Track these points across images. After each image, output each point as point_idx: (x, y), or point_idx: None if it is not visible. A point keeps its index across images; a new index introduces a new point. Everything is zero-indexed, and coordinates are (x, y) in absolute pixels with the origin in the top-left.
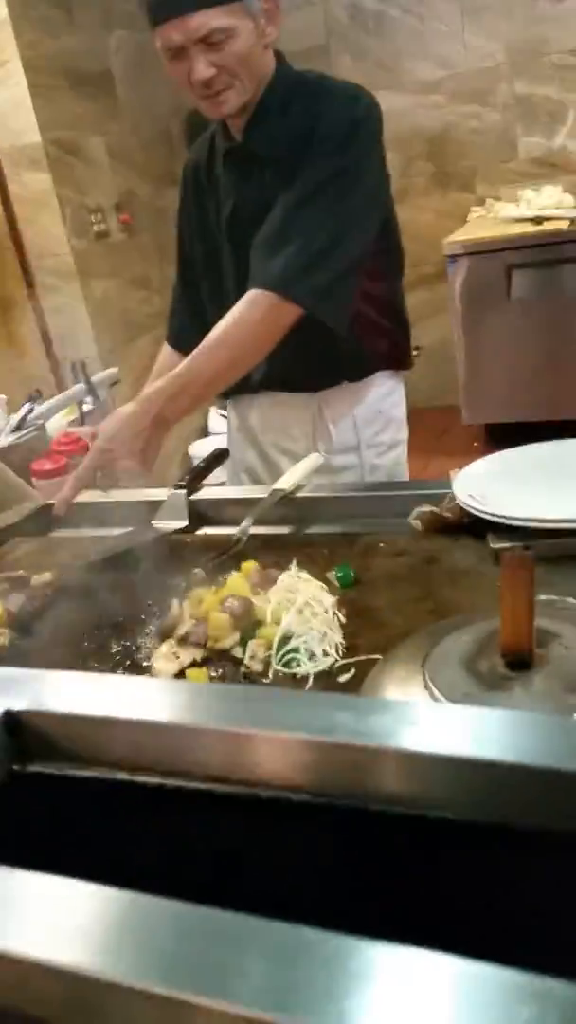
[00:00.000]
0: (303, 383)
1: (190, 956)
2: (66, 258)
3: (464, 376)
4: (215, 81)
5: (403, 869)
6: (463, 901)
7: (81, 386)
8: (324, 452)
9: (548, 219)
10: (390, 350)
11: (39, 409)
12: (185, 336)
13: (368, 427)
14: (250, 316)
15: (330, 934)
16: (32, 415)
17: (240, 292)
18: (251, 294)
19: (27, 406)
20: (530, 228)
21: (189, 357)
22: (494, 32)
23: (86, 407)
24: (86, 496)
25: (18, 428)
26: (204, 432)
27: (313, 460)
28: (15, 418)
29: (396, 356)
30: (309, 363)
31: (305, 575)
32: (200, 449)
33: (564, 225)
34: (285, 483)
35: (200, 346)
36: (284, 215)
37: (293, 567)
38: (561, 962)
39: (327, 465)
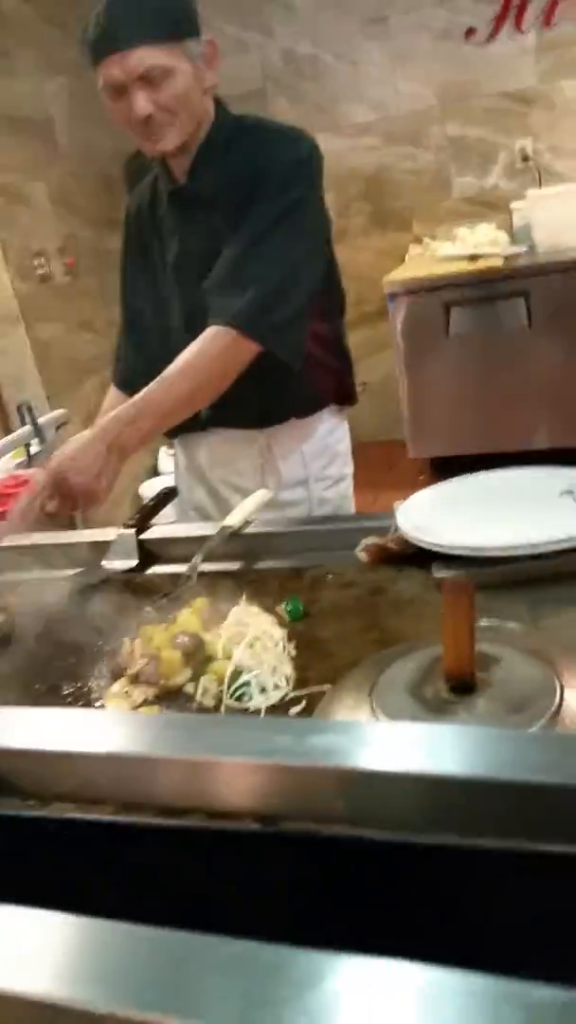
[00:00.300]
0: (252, 420)
1: (157, 978)
2: (10, 302)
3: (408, 411)
4: (154, 119)
5: (361, 890)
6: (420, 917)
7: (28, 428)
8: (272, 487)
9: (483, 256)
10: (336, 387)
11: None
12: (132, 377)
13: (315, 461)
14: (211, 351)
15: (296, 950)
16: None
17: (188, 331)
18: (212, 330)
19: None
20: (466, 266)
21: (147, 388)
22: (425, 76)
23: (33, 449)
24: (34, 538)
25: None
26: (154, 472)
27: (261, 496)
28: None
29: (342, 392)
30: (258, 400)
31: (255, 609)
32: (150, 489)
33: (498, 263)
34: (234, 519)
35: (160, 376)
36: (238, 254)
37: (243, 602)
38: (518, 969)
39: (275, 500)
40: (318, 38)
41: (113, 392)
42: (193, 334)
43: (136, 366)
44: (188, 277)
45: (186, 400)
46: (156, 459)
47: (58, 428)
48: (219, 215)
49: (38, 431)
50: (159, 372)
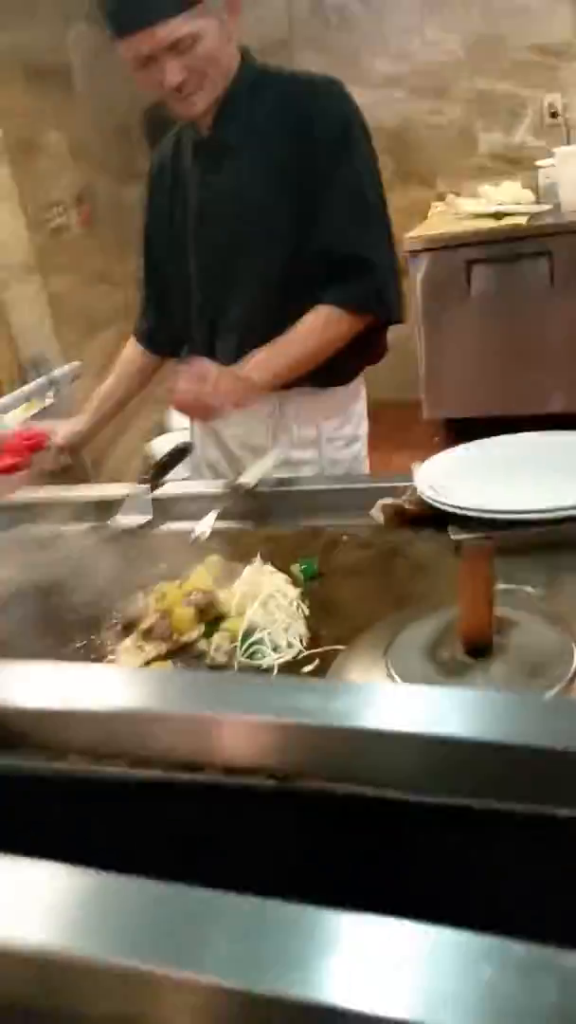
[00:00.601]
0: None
1: (156, 930)
2: (26, 251)
3: (425, 371)
4: (186, 84)
5: (368, 850)
6: (426, 879)
7: (42, 381)
8: (284, 446)
9: (508, 214)
10: (373, 350)
11: None
12: (154, 335)
13: (329, 422)
14: (327, 331)
15: (294, 905)
16: None
17: (203, 281)
18: (328, 310)
19: None
20: (490, 223)
21: (261, 354)
22: (453, 26)
23: (47, 402)
24: (47, 493)
25: None
26: (163, 429)
27: (275, 455)
28: None
29: (374, 356)
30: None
31: (269, 567)
32: (160, 446)
33: (522, 221)
34: (248, 478)
35: (274, 345)
36: (341, 228)
37: (257, 560)
38: (523, 933)
39: (287, 459)
40: None
41: (132, 345)
42: (209, 281)
43: (159, 325)
44: (210, 227)
45: (292, 370)
46: (164, 416)
47: (72, 381)
48: (247, 162)
49: (52, 383)
50: (179, 328)
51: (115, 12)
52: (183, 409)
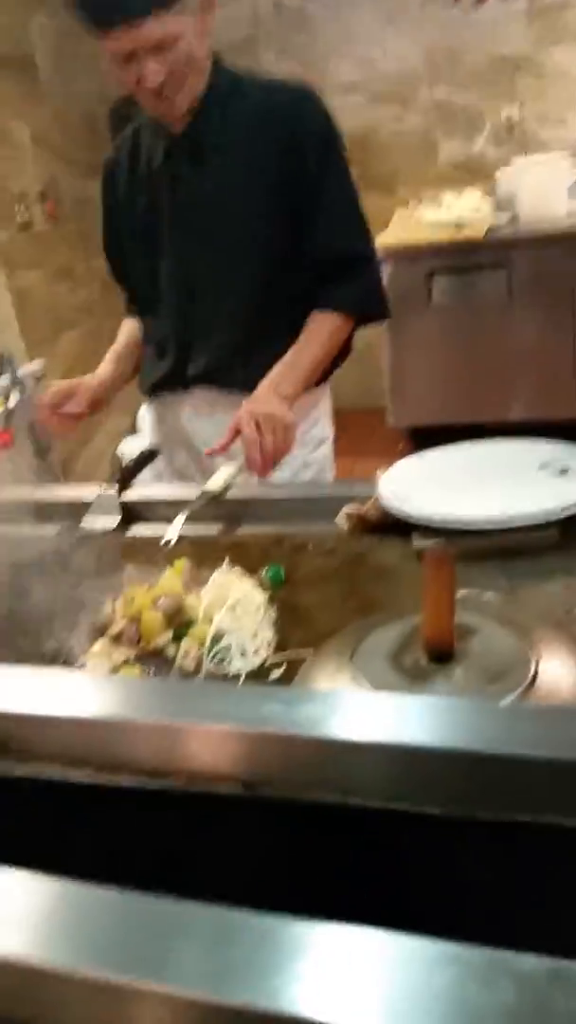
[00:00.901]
0: (242, 381)
1: (126, 941)
2: None
3: (389, 379)
4: (167, 85)
5: (335, 858)
6: (392, 886)
7: (6, 380)
8: None
9: (468, 224)
10: (344, 351)
11: None
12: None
13: (298, 425)
14: (327, 334)
15: (261, 915)
16: None
17: (178, 280)
18: (323, 316)
19: None
20: (451, 233)
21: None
22: (414, 36)
23: (12, 402)
24: (13, 493)
25: None
26: (133, 430)
27: (242, 461)
28: None
29: (346, 354)
30: (257, 363)
31: (236, 573)
32: (130, 447)
33: (481, 233)
34: (215, 484)
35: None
36: (328, 236)
37: (224, 566)
38: (485, 937)
39: None
40: None
41: (128, 322)
42: (184, 283)
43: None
44: (187, 228)
45: (308, 385)
46: (134, 418)
47: (37, 381)
48: (227, 166)
49: (17, 382)
50: (155, 312)
51: (96, 6)
52: (255, 469)
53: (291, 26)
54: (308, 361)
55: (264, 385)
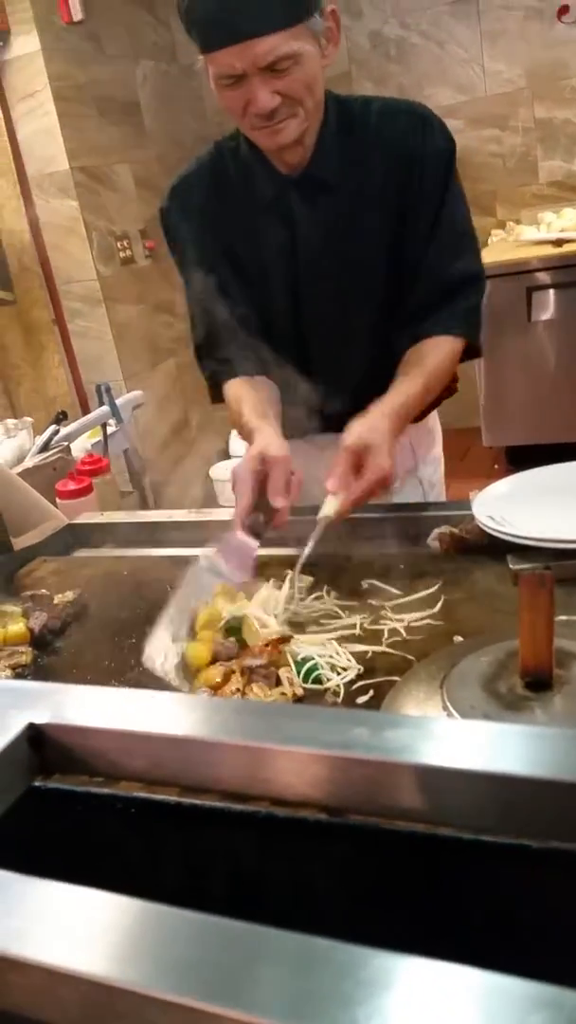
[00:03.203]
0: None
1: (205, 965)
2: (92, 283)
3: (485, 398)
4: (278, 111)
5: (419, 886)
6: (476, 917)
7: (105, 409)
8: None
9: (569, 241)
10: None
11: (64, 431)
12: (248, 366)
13: (420, 447)
14: (444, 360)
15: (343, 944)
16: (57, 437)
17: (295, 316)
18: (437, 340)
19: (52, 428)
20: (550, 250)
21: (397, 387)
22: (512, 57)
23: (110, 429)
24: (108, 517)
25: (44, 449)
26: (226, 455)
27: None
28: (40, 440)
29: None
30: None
31: (332, 595)
32: (221, 471)
33: None
34: (329, 510)
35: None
36: (452, 256)
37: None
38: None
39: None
40: (406, 19)
41: (238, 384)
42: (300, 319)
43: (245, 356)
44: (307, 265)
45: (420, 411)
46: (227, 442)
47: (134, 409)
48: (352, 201)
49: (115, 411)
50: (264, 353)
51: (210, 21)
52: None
53: (386, 56)
54: (418, 392)
55: (378, 414)
